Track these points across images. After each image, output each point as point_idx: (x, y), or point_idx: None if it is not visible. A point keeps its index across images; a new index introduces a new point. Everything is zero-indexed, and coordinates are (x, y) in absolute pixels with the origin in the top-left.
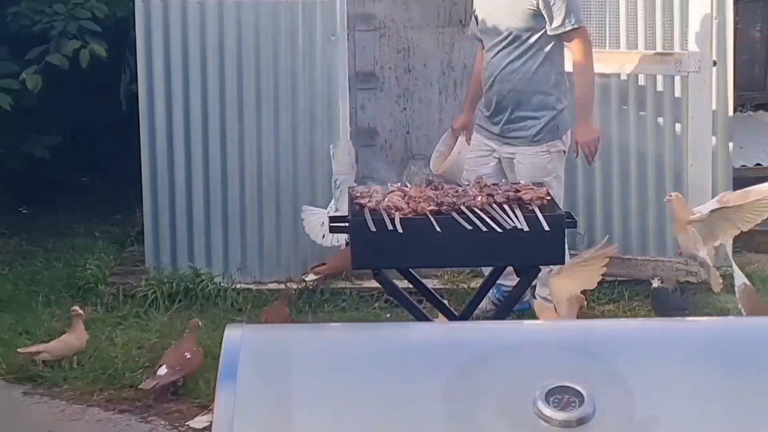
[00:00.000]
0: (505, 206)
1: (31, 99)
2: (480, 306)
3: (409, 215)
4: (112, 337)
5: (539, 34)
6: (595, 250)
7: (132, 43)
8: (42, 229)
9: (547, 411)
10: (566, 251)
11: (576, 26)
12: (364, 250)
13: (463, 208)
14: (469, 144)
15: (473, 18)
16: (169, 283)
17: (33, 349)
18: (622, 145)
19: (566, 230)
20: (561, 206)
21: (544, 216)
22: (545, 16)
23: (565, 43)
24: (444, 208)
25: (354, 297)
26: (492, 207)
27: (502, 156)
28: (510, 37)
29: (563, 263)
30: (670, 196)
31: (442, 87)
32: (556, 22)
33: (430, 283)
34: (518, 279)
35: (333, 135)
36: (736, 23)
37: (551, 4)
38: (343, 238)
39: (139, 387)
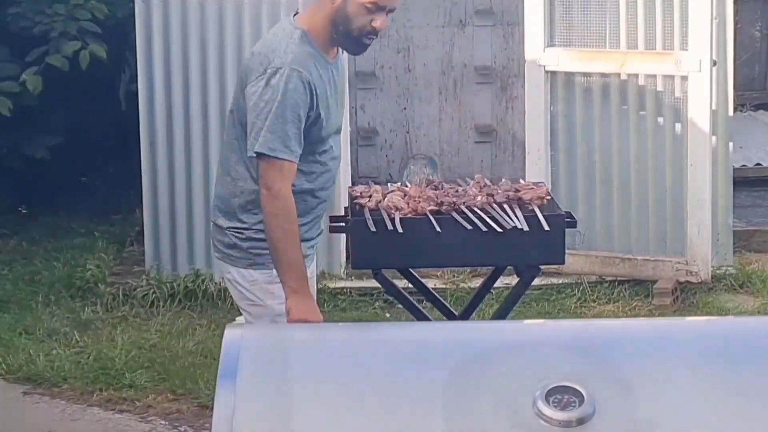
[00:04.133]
0: (505, 206)
1: (31, 99)
2: None
3: (409, 215)
4: (112, 337)
5: None
6: None
7: (132, 43)
8: (42, 229)
9: (547, 411)
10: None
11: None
12: (364, 250)
13: (463, 207)
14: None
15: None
16: (169, 284)
17: None
18: (622, 145)
19: (566, 230)
20: None
21: (544, 216)
22: None
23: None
24: (444, 208)
25: (354, 297)
26: (492, 207)
27: None
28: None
29: (563, 263)
30: None
31: (442, 87)
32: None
33: (430, 283)
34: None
35: None
36: (736, 23)
37: None
38: None
39: None
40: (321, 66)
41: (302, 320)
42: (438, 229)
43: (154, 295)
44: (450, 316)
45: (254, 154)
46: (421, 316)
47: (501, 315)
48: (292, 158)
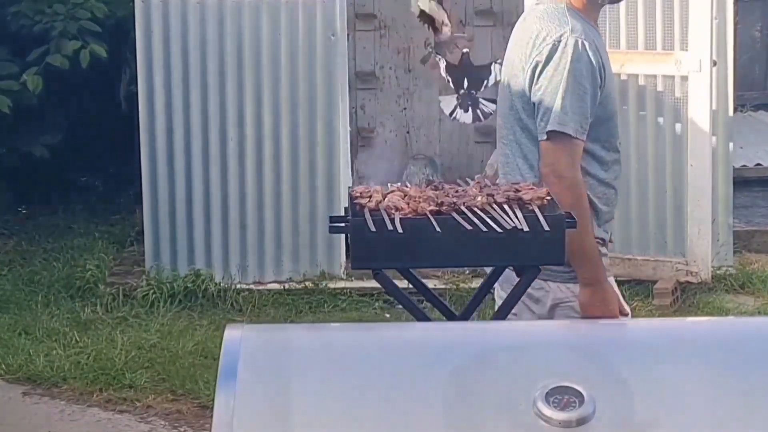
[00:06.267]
0: (505, 206)
1: (31, 99)
2: None
3: (409, 215)
4: (112, 337)
5: None
6: None
7: (132, 43)
8: (41, 229)
9: (547, 411)
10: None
11: None
12: (364, 250)
13: (463, 208)
14: None
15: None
16: (169, 284)
17: None
18: (622, 145)
19: (566, 230)
20: None
21: (544, 216)
22: None
23: None
24: (444, 208)
25: (354, 297)
26: (492, 207)
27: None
28: None
29: (563, 263)
30: None
31: (442, 87)
32: None
33: (430, 283)
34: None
35: (333, 135)
36: (736, 23)
37: None
38: None
39: None
40: (596, 37)
41: (595, 314)
42: (438, 229)
43: (154, 296)
44: (450, 317)
45: (545, 136)
46: (421, 317)
47: (501, 315)
48: (583, 137)
